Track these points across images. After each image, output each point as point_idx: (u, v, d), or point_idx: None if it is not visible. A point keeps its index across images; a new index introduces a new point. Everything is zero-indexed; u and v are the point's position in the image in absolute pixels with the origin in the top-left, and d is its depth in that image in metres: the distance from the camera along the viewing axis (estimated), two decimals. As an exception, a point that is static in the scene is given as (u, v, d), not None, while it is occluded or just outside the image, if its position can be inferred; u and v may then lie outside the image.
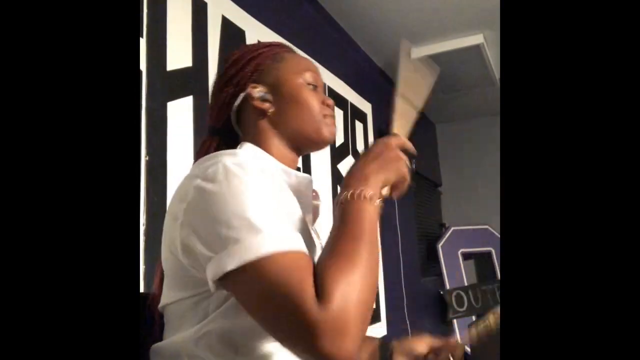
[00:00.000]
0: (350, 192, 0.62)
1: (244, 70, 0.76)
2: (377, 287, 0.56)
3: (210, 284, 0.57)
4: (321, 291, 0.52)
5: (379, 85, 3.27)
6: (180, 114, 1.42)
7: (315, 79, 0.78)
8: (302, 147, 0.77)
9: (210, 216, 0.57)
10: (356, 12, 2.57)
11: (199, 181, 0.59)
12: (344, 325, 0.51)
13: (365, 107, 2.91)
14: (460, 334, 3.59)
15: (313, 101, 0.75)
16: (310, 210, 0.76)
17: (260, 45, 0.80)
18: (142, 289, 1.14)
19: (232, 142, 0.77)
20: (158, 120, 1.34)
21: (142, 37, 1.31)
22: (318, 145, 0.78)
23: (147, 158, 1.28)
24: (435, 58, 3.01)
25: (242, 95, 0.75)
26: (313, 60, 0.81)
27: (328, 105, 0.78)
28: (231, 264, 0.54)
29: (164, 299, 0.67)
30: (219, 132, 0.77)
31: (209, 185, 0.58)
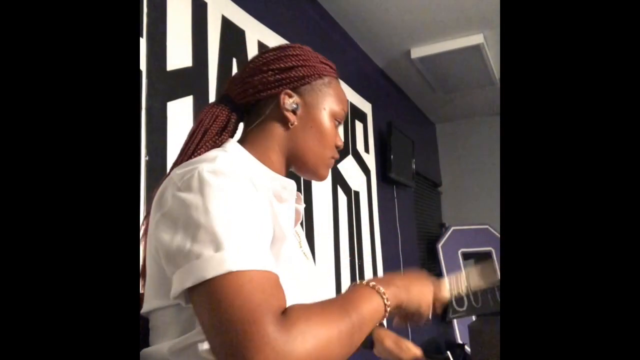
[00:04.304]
0: (368, 281, 0.65)
1: (292, 71, 0.75)
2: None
3: (174, 296, 0.57)
4: (288, 321, 0.52)
5: (379, 85, 3.27)
6: (180, 114, 1.42)
7: (344, 118, 0.80)
8: (295, 167, 0.79)
9: (180, 227, 0.57)
10: (356, 12, 2.57)
11: (175, 191, 0.59)
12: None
13: (365, 107, 2.91)
14: (460, 334, 3.59)
15: (331, 141, 0.77)
16: (293, 214, 0.76)
17: (320, 58, 0.79)
18: (142, 289, 1.14)
19: (237, 121, 0.77)
20: (158, 120, 1.34)
21: (142, 37, 1.31)
22: (308, 177, 0.81)
23: (147, 158, 1.28)
24: (435, 58, 3.02)
25: (275, 99, 0.74)
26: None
27: (337, 147, 0.80)
28: (189, 281, 0.54)
29: (147, 305, 0.67)
30: (231, 105, 0.77)
31: (182, 195, 0.58)
